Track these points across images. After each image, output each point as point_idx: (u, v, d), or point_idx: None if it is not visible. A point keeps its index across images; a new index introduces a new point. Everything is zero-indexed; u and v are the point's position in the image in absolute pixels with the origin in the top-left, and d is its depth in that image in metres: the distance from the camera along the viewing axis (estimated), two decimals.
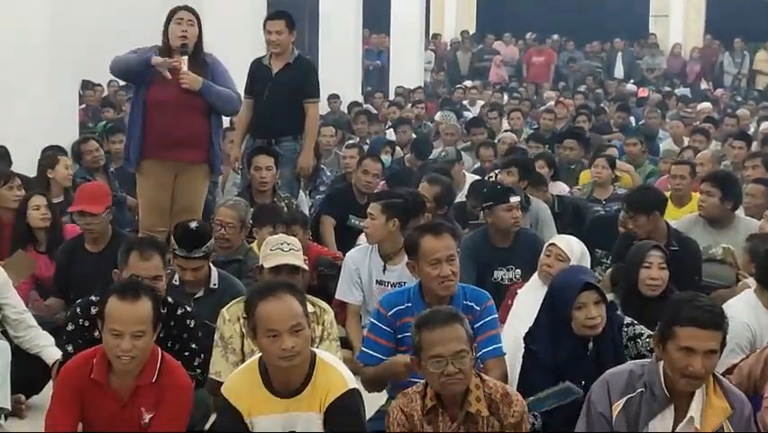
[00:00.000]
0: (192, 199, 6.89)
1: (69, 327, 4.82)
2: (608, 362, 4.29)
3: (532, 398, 4.32)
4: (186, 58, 6.73)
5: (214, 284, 5.76)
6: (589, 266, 5.56)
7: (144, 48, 6.88)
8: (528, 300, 5.54)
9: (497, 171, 8.54)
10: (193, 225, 5.75)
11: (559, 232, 7.58)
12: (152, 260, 4.85)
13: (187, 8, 6.88)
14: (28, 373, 5.31)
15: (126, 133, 7.29)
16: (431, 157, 10.29)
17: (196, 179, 6.92)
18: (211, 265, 5.83)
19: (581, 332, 4.48)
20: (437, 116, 15.06)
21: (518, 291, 5.77)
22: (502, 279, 6.50)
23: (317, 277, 6.81)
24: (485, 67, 23.35)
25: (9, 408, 4.77)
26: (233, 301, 5.11)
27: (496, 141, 11.56)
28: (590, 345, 4.50)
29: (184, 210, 6.71)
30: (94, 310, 4.59)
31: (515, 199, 6.47)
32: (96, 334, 4.37)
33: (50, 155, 8.08)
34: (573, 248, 5.60)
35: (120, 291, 4.16)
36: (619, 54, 23.45)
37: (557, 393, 4.33)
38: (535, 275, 5.66)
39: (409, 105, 15.98)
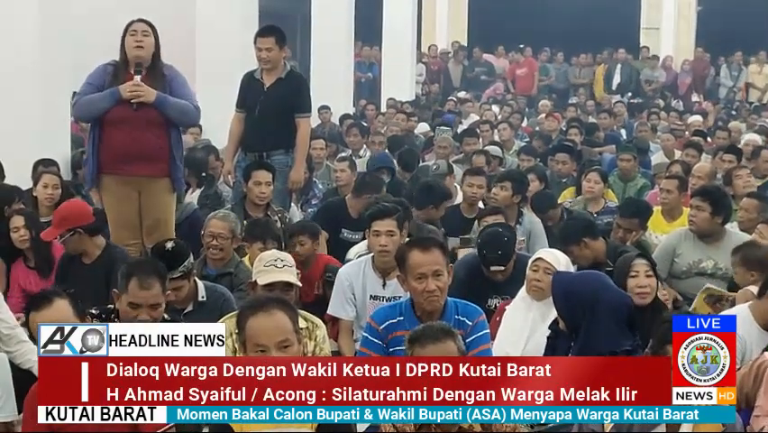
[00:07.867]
0: (160, 214, 6.79)
1: None
2: None
3: None
4: (138, 77, 6.58)
5: (203, 297, 5.77)
6: None
7: (98, 69, 6.76)
8: (516, 318, 5.54)
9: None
10: (169, 245, 5.73)
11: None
12: (152, 288, 4.86)
13: (141, 20, 6.74)
14: (19, 387, 5.29)
15: (87, 153, 7.08)
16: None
17: (159, 193, 6.79)
18: (196, 279, 5.82)
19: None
20: (430, 129, 15.04)
21: (506, 308, 5.74)
22: (497, 306, 6.18)
23: (323, 285, 6.78)
24: (478, 79, 23.36)
25: (18, 417, 4.74)
26: (227, 316, 5.12)
27: None
28: None
29: (155, 226, 6.68)
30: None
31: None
32: None
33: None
34: (559, 259, 5.60)
35: None
36: (618, 66, 23.32)
37: None
38: (523, 291, 5.61)
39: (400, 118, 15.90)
